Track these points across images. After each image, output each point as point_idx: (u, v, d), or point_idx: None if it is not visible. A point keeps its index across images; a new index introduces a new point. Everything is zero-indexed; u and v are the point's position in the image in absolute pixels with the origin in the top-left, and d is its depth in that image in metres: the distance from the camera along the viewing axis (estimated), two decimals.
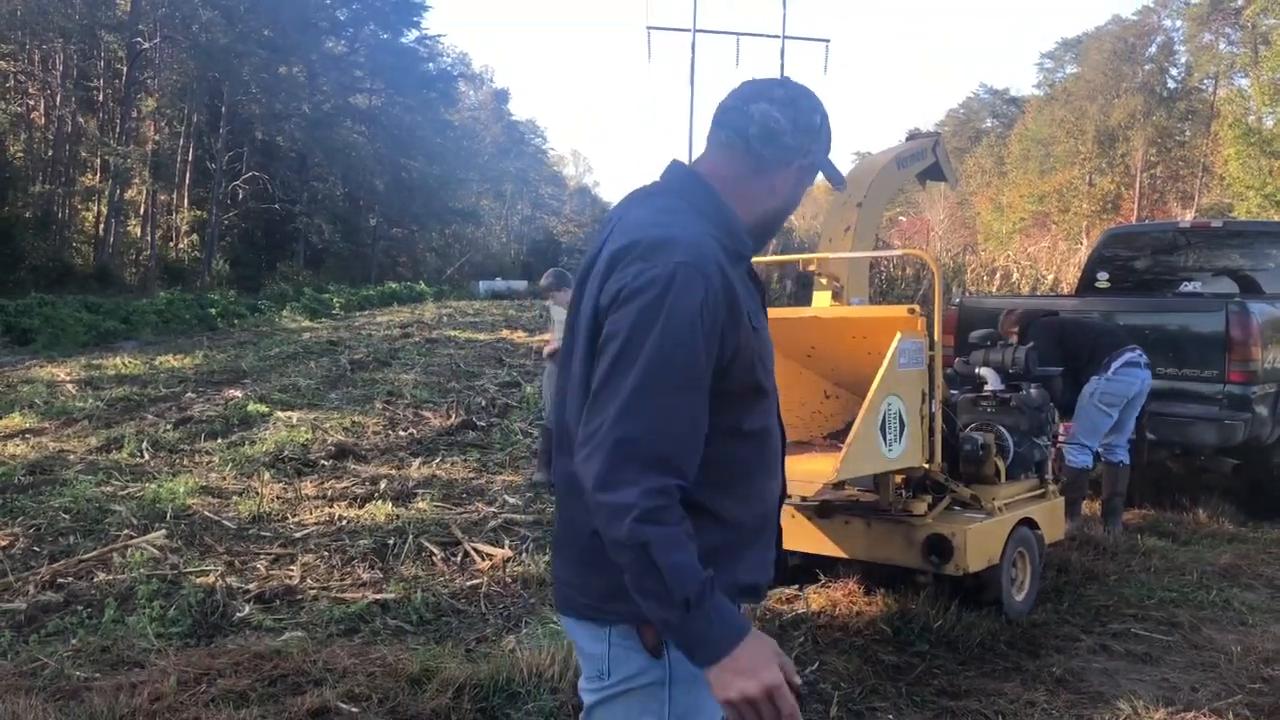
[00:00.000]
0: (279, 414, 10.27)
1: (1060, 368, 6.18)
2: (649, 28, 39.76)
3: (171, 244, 40.17)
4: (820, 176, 2.04)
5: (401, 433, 9.69)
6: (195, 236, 40.10)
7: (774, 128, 1.89)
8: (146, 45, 35.28)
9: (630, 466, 1.60)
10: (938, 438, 4.84)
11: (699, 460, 1.68)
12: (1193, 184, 56.22)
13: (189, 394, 11.81)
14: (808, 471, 4.57)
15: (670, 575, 1.57)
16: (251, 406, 10.60)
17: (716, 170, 1.90)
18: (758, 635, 1.64)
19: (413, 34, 53.09)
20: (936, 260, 5.44)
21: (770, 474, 1.92)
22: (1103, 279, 9.08)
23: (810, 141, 1.95)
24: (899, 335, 4.50)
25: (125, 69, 35.35)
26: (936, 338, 4.76)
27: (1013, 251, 25.12)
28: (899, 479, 5.06)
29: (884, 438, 4.45)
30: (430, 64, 56.42)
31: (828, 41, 34.24)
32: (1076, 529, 6.57)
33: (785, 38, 33.39)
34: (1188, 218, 21.01)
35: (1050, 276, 21.38)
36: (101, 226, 35.48)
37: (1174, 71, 61.01)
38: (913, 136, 6.92)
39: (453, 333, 21.47)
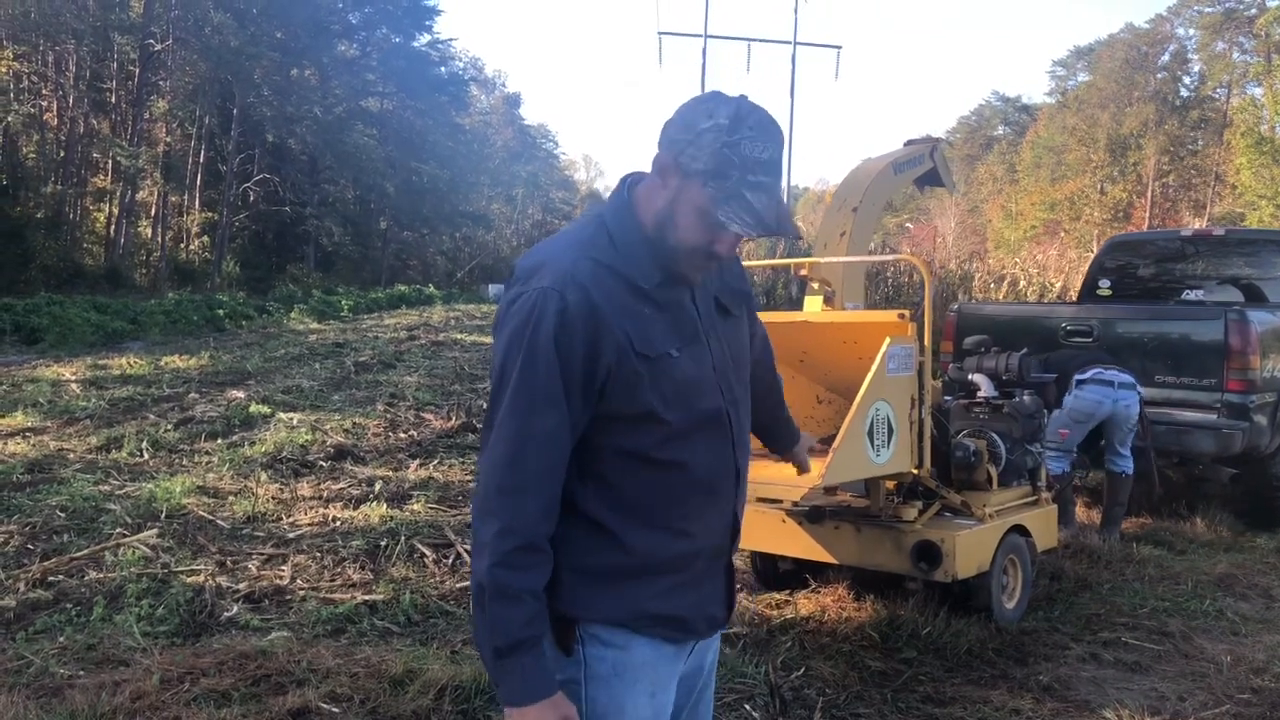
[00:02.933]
0: (281, 415, 10.28)
1: (1054, 375, 6.17)
2: (660, 33, 39.77)
3: (182, 245, 40.32)
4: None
5: (402, 435, 9.70)
6: (206, 238, 40.25)
7: (664, 130, 1.77)
8: (159, 47, 35.42)
9: (490, 503, 1.70)
10: (926, 443, 4.82)
11: (558, 489, 1.72)
12: (1205, 193, 56.08)
13: (192, 394, 11.84)
14: (796, 476, 4.56)
15: (490, 623, 1.68)
16: (254, 407, 10.61)
17: (643, 189, 1.82)
18: (554, 703, 1.70)
19: (425, 38, 53.24)
20: (928, 265, 5.43)
21: (690, 511, 1.83)
22: (1104, 287, 9.05)
23: (687, 145, 1.72)
24: (888, 340, 4.49)
25: (137, 71, 35.50)
26: (926, 343, 4.75)
27: (1021, 259, 25.01)
28: (890, 484, 5.05)
29: (871, 443, 4.43)
30: (442, 68, 56.54)
31: (839, 48, 34.28)
32: (1071, 536, 6.55)
33: (797, 44, 33.44)
34: (1195, 226, 20.92)
35: (1058, 284, 21.29)
36: (112, 227, 35.64)
37: (1187, 80, 60.97)
38: (910, 142, 6.90)
39: (459, 336, 21.51)
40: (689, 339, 1.81)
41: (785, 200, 1.86)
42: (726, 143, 1.69)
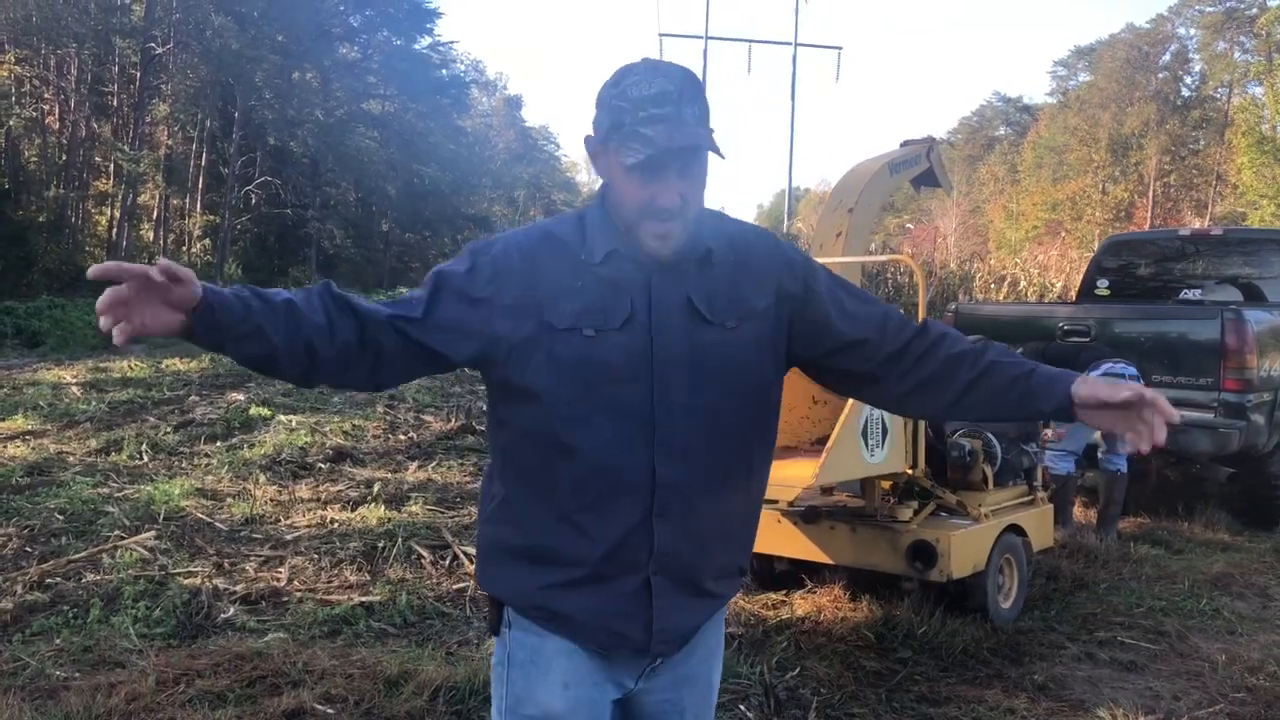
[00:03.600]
0: (280, 417, 10.30)
1: None
2: (661, 35, 39.78)
3: (184, 248, 40.30)
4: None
5: (401, 437, 9.72)
6: (208, 241, 40.23)
7: None
8: (160, 51, 35.41)
9: None
10: (921, 443, 4.84)
11: (352, 323, 1.73)
12: (1207, 192, 56.02)
13: (192, 397, 11.86)
14: (791, 477, 4.58)
15: None
16: (253, 410, 10.63)
17: None
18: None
19: (426, 41, 53.14)
20: (921, 266, 5.44)
21: (586, 504, 1.78)
22: (1103, 287, 9.06)
23: (594, 120, 1.79)
24: None
25: (139, 74, 35.49)
26: None
27: (1022, 259, 25.02)
28: (885, 485, 5.06)
29: (865, 443, 4.45)
30: (443, 70, 56.48)
31: (840, 49, 34.22)
32: (1069, 536, 6.55)
33: (797, 45, 33.42)
34: (1195, 225, 20.93)
35: (1059, 284, 21.31)
36: (114, 230, 35.61)
37: (1188, 80, 60.91)
38: (907, 143, 6.90)
39: None
40: (616, 323, 1.75)
41: (698, 126, 1.72)
42: (613, 94, 1.73)
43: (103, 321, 1.58)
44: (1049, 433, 6.49)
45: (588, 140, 1.80)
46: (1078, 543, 6.53)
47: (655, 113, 1.68)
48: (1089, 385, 1.81)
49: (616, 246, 1.77)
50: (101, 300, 1.57)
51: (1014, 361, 1.90)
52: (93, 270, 1.58)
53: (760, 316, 1.84)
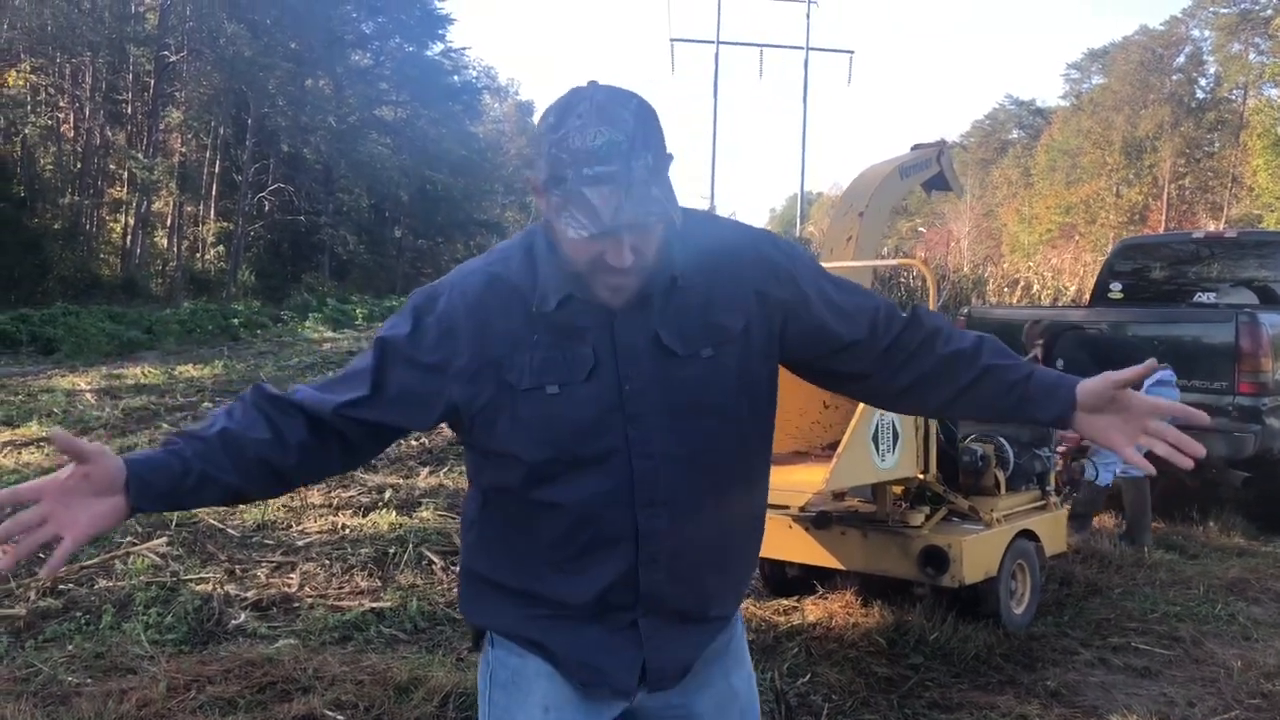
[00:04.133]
0: None
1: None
2: (672, 40, 39.83)
3: (198, 255, 40.51)
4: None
5: (413, 442, 9.71)
6: (221, 248, 40.43)
7: None
8: (174, 58, 35.64)
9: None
10: (932, 448, 4.82)
11: (298, 421, 1.64)
12: (1222, 195, 55.81)
13: (205, 404, 11.89)
14: (801, 482, 4.57)
15: None
16: None
17: None
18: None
19: (438, 47, 53.35)
20: (931, 269, 5.42)
21: (574, 553, 1.70)
22: (1116, 290, 9.02)
23: (534, 159, 1.59)
24: None
25: (153, 82, 35.72)
26: None
27: (1035, 262, 24.96)
28: (897, 490, 5.04)
29: (876, 448, 4.43)
30: (455, 77, 56.68)
31: (852, 53, 34.30)
32: (1082, 541, 6.51)
33: (809, 49, 33.45)
34: (1210, 228, 20.84)
35: (1072, 288, 21.24)
36: (129, 238, 35.84)
37: (1202, 82, 60.69)
38: (918, 147, 6.89)
39: None
40: (581, 376, 1.62)
41: (650, 185, 1.50)
42: (553, 141, 1.51)
43: (5, 560, 1.44)
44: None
45: (528, 179, 1.63)
46: (1091, 548, 6.50)
47: (600, 170, 1.47)
48: (1090, 385, 1.71)
49: (571, 291, 1.61)
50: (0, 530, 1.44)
51: (1011, 364, 1.79)
52: None
53: (741, 337, 1.69)
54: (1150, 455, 1.69)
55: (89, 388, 13.09)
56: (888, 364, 1.80)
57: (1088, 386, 1.71)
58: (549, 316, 1.62)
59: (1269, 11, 51.55)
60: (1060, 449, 6.54)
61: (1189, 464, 1.68)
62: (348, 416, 1.64)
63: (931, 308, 5.02)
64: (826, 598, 5.39)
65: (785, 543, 5.10)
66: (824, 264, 5.91)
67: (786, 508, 4.80)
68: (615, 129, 1.49)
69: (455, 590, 5.42)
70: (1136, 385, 1.72)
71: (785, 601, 5.38)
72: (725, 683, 1.90)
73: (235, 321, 24.97)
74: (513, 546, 1.75)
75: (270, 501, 7.08)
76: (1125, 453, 1.70)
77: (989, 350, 1.80)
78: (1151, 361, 1.75)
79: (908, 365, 1.80)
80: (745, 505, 1.84)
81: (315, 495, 7.40)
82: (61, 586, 5.26)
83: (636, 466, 1.64)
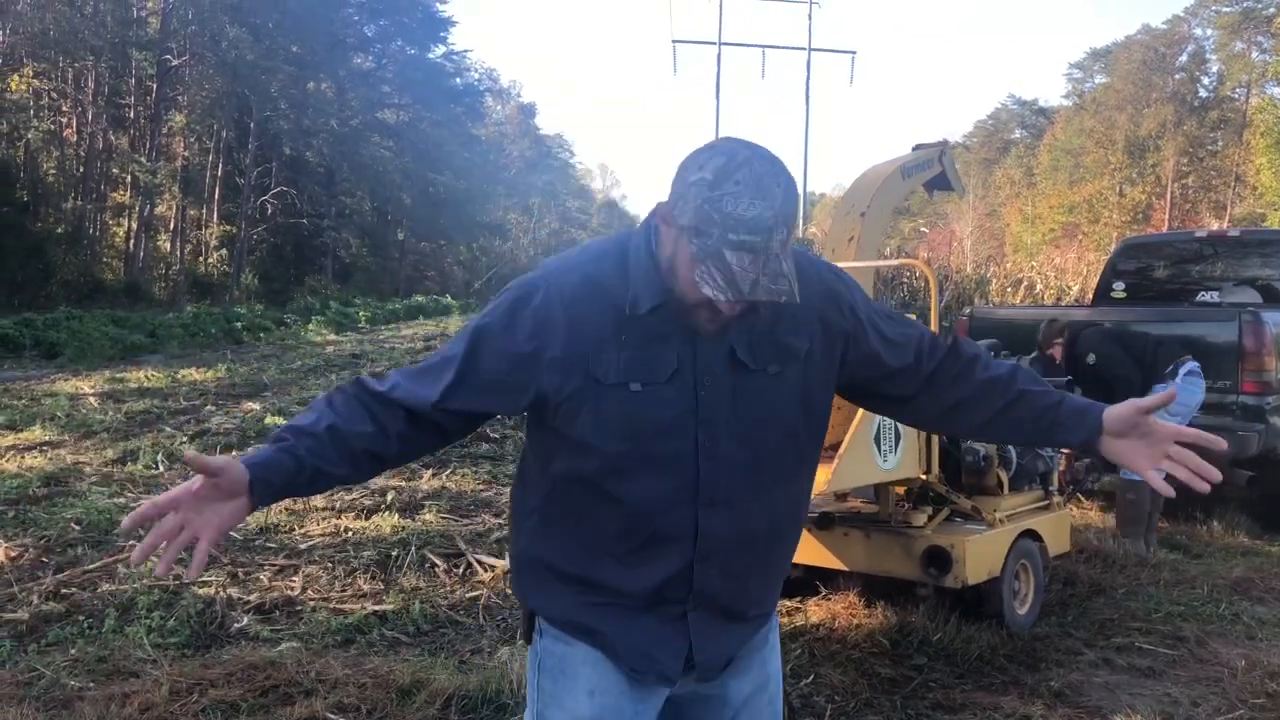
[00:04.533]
0: None
1: (1067, 377, 6.14)
2: (674, 42, 39.85)
3: (201, 259, 40.56)
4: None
5: None
6: (224, 251, 40.46)
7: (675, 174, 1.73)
8: (176, 62, 35.69)
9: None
10: (935, 449, 4.81)
11: (397, 414, 1.78)
12: (1225, 194, 55.72)
13: (208, 407, 11.90)
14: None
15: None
16: (269, 419, 10.66)
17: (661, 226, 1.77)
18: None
19: (440, 50, 53.36)
20: (932, 269, 5.42)
21: (633, 547, 1.80)
22: (1119, 289, 9.00)
23: (679, 199, 1.66)
24: None
25: (155, 86, 35.78)
26: None
27: (1038, 262, 24.94)
28: (899, 490, 5.04)
29: (878, 449, 4.43)
30: (457, 79, 56.69)
31: (854, 53, 34.30)
32: (1140, 557, 6.43)
33: (811, 50, 33.44)
34: (1214, 227, 20.80)
35: (1076, 287, 21.22)
36: (132, 242, 35.88)
37: (1205, 80, 60.56)
38: (919, 147, 6.87)
39: None
40: (663, 378, 1.73)
41: (781, 260, 1.62)
42: (708, 198, 1.61)
43: (159, 566, 1.65)
44: None
45: (661, 207, 1.72)
46: (1095, 547, 6.49)
47: (746, 239, 1.58)
48: (1117, 410, 1.84)
49: (664, 300, 1.72)
50: (144, 545, 1.63)
51: (1044, 391, 1.92)
52: (125, 523, 1.65)
53: (805, 358, 1.81)
54: (1170, 478, 1.82)
55: (92, 392, 13.10)
56: (930, 389, 1.94)
57: (1114, 413, 1.84)
58: (639, 319, 1.73)
59: (1271, 10, 51.47)
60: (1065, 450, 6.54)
61: (1206, 489, 1.78)
62: (444, 409, 1.78)
63: (933, 308, 5.03)
64: (829, 598, 5.38)
65: None
66: None
67: None
68: (767, 204, 1.60)
69: (457, 592, 5.43)
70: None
71: (788, 602, 5.37)
72: (762, 670, 2.02)
73: (238, 325, 24.97)
74: (576, 535, 1.84)
75: (272, 506, 7.08)
76: (1148, 476, 1.82)
77: (1023, 377, 1.94)
78: (1171, 392, 1.90)
79: (948, 390, 1.94)
80: (793, 513, 1.96)
81: (318, 499, 7.39)
82: (64, 591, 5.25)
83: (703, 468, 1.75)
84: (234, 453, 9.05)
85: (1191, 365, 6.58)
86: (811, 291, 1.79)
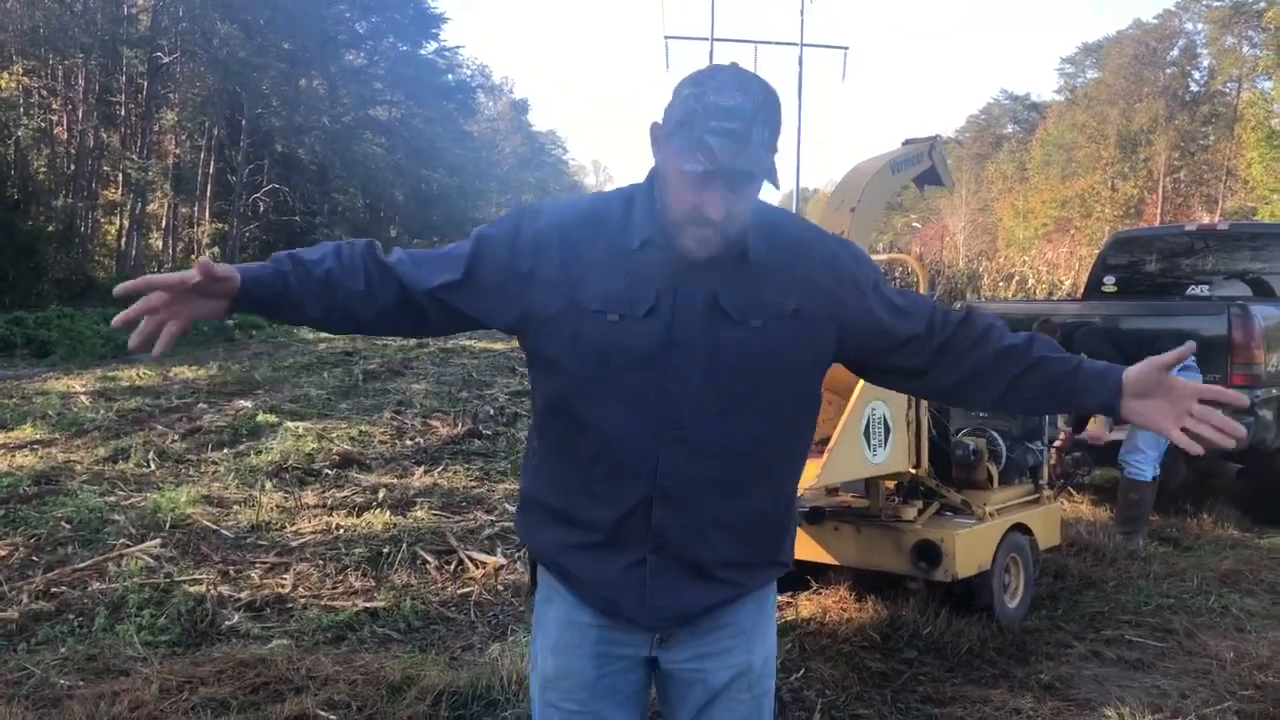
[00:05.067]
0: (288, 424, 10.30)
1: None
2: (667, 38, 39.80)
3: (193, 256, 40.36)
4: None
5: (408, 442, 9.71)
6: (217, 249, 40.30)
7: None
8: (167, 60, 35.57)
9: None
10: (924, 443, 4.82)
11: (389, 283, 1.87)
12: (1216, 188, 55.82)
13: (200, 405, 11.87)
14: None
15: None
16: (261, 417, 10.64)
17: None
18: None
19: (432, 46, 53.32)
20: (922, 264, 5.42)
21: (595, 477, 1.86)
22: (1109, 283, 9.02)
23: (666, 111, 1.79)
24: None
25: (146, 83, 35.65)
26: None
27: (1030, 257, 24.97)
28: (889, 484, 5.04)
29: (868, 443, 4.43)
30: (449, 75, 56.67)
31: (846, 49, 34.21)
32: (1132, 551, 6.45)
33: (804, 45, 33.39)
34: (1204, 220, 20.86)
35: (1067, 281, 21.26)
36: (123, 240, 35.77)
37: (1196, 75, 60.64)
38: (909, 142, 6.86)
39: (468, 343, 21.53)
40: (640, 312, 1.79)
41: (764, 151, 1.71)
42: (691, 94, 1.72)
43: (133, 338, 1.72)
44: (1094, 429, 6.35)
45: (654, 127, 1.81)
46: (1085, 540, 6.50)
47: (726, 126, 1.67)
48: (1137, 370, 1.83)
49: (652, 236, 1.81)
50: (127, 313, 1.71)
51: (1061, 357, 1.91)
52: (120, 288, 1.73)
53: (792, 319, 1.84)
54: (1195, 436, 1.80)
55: (83, 390, 13.06)
56: (943, 359, 1.94)
57: (1134, 372, 1.82)
58: (630, 254, 1.81)
59: (1262, 4, 51.52)
60: (1055, 444, 6.55)
61: (1231, 444, 1.80)
62: (438, 298, 1.87)
63: None
64: (820, 593, 5.39)
65: None
66: None
67: None
68: (748, 96, 1.70)
69: (448, 589, 5.44)
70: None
71: (779, 597, 5.36)
72: (746, 657, 2.01)
73: (230, 322, 24.89)
74: (559, 465, 1.93)
75: (264, 502, 7.08)
76: (1172, 434, 1.80)
77: (1040, 345, 1.93)
78: (1191, 344, 1.85)
79: (963, 359, 1.94)
80: (762, 485, 1.93)
81: (309, 496, 7.40)
82: (54, 589, 5.24)
83: (665, 405, 1.80)
84: (226, 450, 9.05)
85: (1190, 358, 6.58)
86: (815, 259, 1.88)
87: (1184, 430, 1.79)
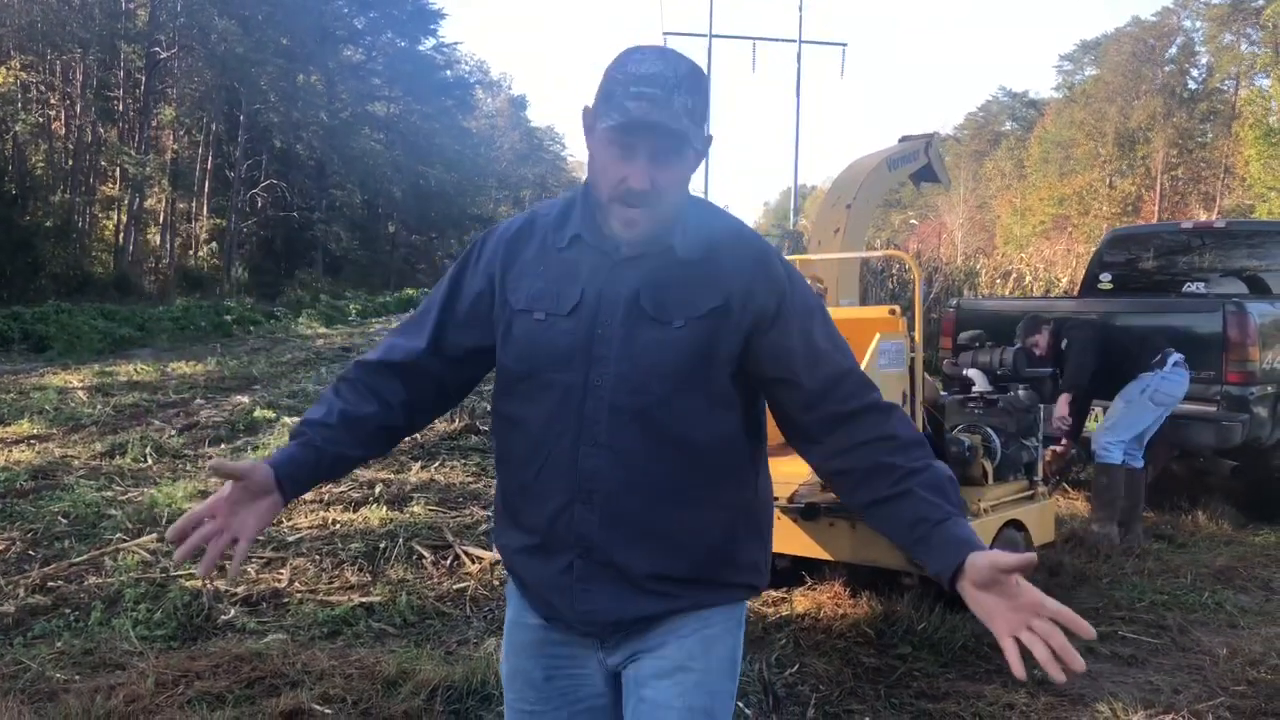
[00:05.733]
0: (285, 420, 10.31)
1: (1050, 369, 6.16)
2: (665, 34, 39.73)
3: (191, 252, 40.43)
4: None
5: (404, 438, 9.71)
6: (214, 244, 40.34)
7: None
8: (165, 55, 35.56)
9: None
10: None
11: (392, 356, 1.94)
12: (1214, 185, 55.85)
13: (198, 400, 11.88)
14: (788, 473, 4.58)
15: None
16: (258, 413, 10.64)
17: None
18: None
19: (430, 42, 53.33)
20: (917, 261, 5.44)
21: (530, 477, 1.84)
22: (1105, 280, 9.04)
23: (598, 86, 1.76)
24: (878, 336, 4.50)
25: (144, 79, 35.63)
26: (917, 339, 4.75)
27: (1027, 254, 24.99)
28: None
29: None
30: (448, 71, 56.68)
31: (845, 46, 34.19)
32: (1142, 539, 6.46)
33: (802, 42, 33.35)
34: (1201, 218, 20.87)
35: (1065, 279, 21.26)
36: (121, 235, 35.75)
37: (1194, 72, 60.68)
38: (906, 138, 6.90)
39: None
40: (564, 310, 1.79)
41: (683, 119, 1.67)
42: (613, 66, 1.72)
43: (201, 568, 1.76)
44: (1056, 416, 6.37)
45: (585, 113, 1.79)
46: (1080, 536, 6.52)
47: (645, 91, 1.66)
48: (978, 558, 1.60)
49: (581, 232, 1.81)
50: (188, 546, 1.74)
51: (932, 502, 1.71)
52: (171, 533, 1.75)
53: (709, 319, 1.76)
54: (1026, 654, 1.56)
55: (81, 385, 13.06)
56: (831, 437, 1.80)
57: (976, 561, 1.60)
58: (559, 253, 1.83)
59: (1260, 2, 51.55)
60: (1057, 448, 6.55)
61: (1062, 678, 1.54)
62: (438, 353, 1.91)
63: (916, 298, 5.04)
64: (815, 589, 5.40)
65: (774, 534, 5.10)
66: (812, 255, 5.94)
67: (775, 499, 4.79)
68: (668, 66, 1.69)
69: (444, 584, 5.46)
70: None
71: (773, 593, 5.39)
72: (679, 653, 1.87)
73: (228, 318, 24.93)
74: (504, 469, 1.94)
75: None
76: (1004, 642, 1.57)
77: (927, 476, 1.74)
78: (1031, 558, 1.56)
79: (848, 454, 1.78)
80: (707, 490, 1.84)
81: (305, 493, 7.39)
82: (50, 584, 5.25)
83: (587, 405, 1.78)
84: (223, 446, 9.06)
85: (1179, 356, 6.61)
86: (742, 259, 1.81)
87: (1015, 639, 1.56)
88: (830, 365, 1.81)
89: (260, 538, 6.15)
